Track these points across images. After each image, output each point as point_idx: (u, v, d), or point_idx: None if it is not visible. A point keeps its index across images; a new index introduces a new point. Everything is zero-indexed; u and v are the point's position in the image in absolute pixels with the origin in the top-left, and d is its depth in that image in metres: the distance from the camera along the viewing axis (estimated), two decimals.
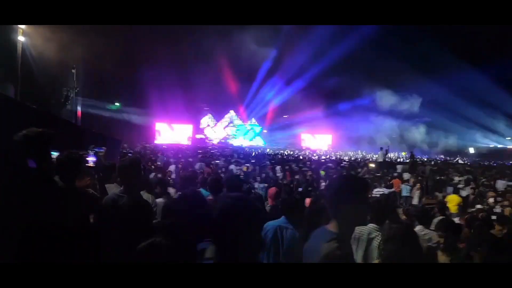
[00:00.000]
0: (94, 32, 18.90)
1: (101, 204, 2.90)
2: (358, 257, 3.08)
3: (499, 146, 35.89)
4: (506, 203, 7.41)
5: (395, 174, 12.91)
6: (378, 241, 2.97)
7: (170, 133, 33.48)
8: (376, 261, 2.72)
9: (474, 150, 36.12)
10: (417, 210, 5.12)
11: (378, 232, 3.07)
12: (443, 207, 5.39)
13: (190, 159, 14.25)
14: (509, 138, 35.31)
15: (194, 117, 34.83)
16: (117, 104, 30.20)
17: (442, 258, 3.30)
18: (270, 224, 3.64)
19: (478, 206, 7.63)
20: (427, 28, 25.23)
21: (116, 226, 2.74)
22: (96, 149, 4.04)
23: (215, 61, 29.65)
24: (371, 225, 3.17)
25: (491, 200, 8.51)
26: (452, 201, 8.25)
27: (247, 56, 29.73)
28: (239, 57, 29.46)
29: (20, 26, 14.26)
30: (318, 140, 37.94)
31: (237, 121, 37.09)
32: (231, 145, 33.60)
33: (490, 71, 26.81)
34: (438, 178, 12.78)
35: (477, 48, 27.21)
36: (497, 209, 7.05)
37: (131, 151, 17.47)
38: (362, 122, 33.32)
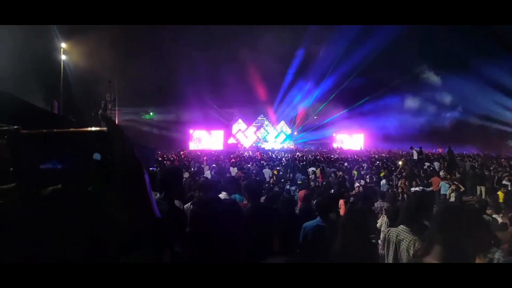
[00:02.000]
0: (127, 45, 19.64)
1: None
2: (389, 260, 3.00)
3: None
4: None
5: (432, 172, 12.43)
6: (407, 243, 2.89)
7: (204, 139, 34.06)
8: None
9: None
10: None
11: (407, 234, 2.98)
12: (483, 205, 5.14)
13: (223, 164, 14.41)
14: None
15: (225, 122, 35.30)
16: (151, 113, 31.14)
17: (479, 259, 3.16)
18: (309, 225, 3.78)
19: None
20: (454, 27, 24.41)
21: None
22: None
23: (243, 65, 29.96)
24: (401, 227, 3.07)
25: None
26: (499, 197, 7.88)
27: (275, 58, 29.80)
28: (267, 60, 29.58)
29: (62, 45, 15.07)
30: (350, 140, 37.28)
31: (268, 125, 37.18)
32: (263, 148, 33.71)
33: None
34: (479, 173, 12.17)
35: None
36: None
37: (168, 159, 17.92)
38: (394, 120, 32.58)
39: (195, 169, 13.36)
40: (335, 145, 36.57)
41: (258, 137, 36.72)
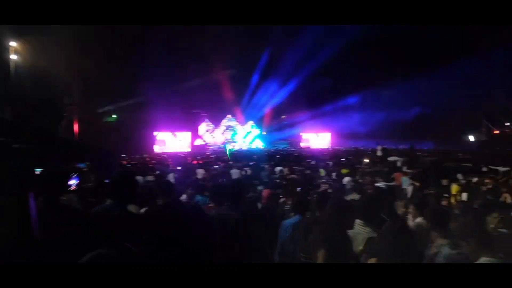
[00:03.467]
0: (88, 44, 18.84)
1: (88, 217, 2.87)
2: None
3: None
4: (504, 189, 7.36)
5: (393, 167, 12.85)
6: (363, 236, 2.94)
7: (170, 142, 33.46)
8: (371, 260, 2.67)
9: (475, 137, 36.13)
10: (417, 203, 5.09)
11: (364, 227, 3.04)
12: (438, 197, 5.35)
13: (189, 166, 14.21)
14: (508, 123, 35.33)
15: (192, 123, 34.88)
16: (114, 116, 30.19)
17: (434, 248, 3.27)
18: (288, 222, 3.93)
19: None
20: (421, 27, 25.41)
21: (106, 240, 2.71)
22: (79, 165, 4.00)
23: (209, 66, 29.69)
24: (357, 221, 3.13)
25: (489, 186, 8.46)
26: (454, 190, 8.23)
27: (242, 58, 29.74)
28: (233, 60, 29.47)
29: (11, 44, 14.19)
30: (317, 139, 37.93)
31: (235, 125, 37.12)
32: (230, 149, 33.63)
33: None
34: (439, 168, 12.70)
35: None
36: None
37: (131, 163, 17.45)
38: (359, 118, 33.54)
39: (160, 172, 13.09)
40: (302, 144, 37.10)
41: (226, 137, 36.60)
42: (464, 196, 7.79)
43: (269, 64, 33.02)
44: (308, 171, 12.43)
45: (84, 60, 19.76)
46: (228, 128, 36.87)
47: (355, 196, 5.75)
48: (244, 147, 34.58)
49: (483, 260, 2.39)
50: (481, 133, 35.96)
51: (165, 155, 24.49)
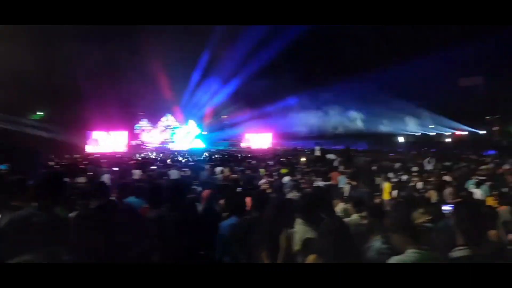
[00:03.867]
0: (12, 36, 17.30)
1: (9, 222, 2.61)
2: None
3: (420, 134, 39.37)
4: (429, 186, 8.04)
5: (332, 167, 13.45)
6: (301, 234, 3.03)
7: (104, 141, 31.79)
8: (311, 258, 2.74)
9: (404, 138, 39.25)
10: (353, 199, 5.37)
11: (302, 226, 3.13)
12: (373, 194, 5.69)
13: (125, 167, 13.61)
14: (431, 126, 38.82)
15: (128, 123, 33.50)
16: (39, 113, 27.99)
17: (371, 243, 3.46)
18: (225, 223, 3.86)
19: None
20: (359, 27, 26.71)
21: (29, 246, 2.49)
22: None
23: (147, 64, 28.75)
24: (298, 220, 3.22)
25: (419, 184, 9.21)
26: (386, 188, 8.82)
27: (181, 57, 29.17)
28: (172, 58, 28.80)
29: None
30: (258, 139, 38.43)
31: (175, 124, 36.33)
32: (169, 149, 32.85)
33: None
34: (372, 167, 13.56)
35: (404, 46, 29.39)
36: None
37: (59, 163, 16.26)
38: (300, 119, 34.63)
39: (93, 173, 12.38)
40: (243, 145, 37.37)
41: (165, 137, 35.68)
42: (395, 193, 8.38)
43: (210, 63, 32.85)
44: (248, 171, 12.54)
45: (5, 54, 18.09)
46: (167, 127, 35.98)
47: (294, 195, 5.90)
48: (184, 147, 33.97)
49: (409, 252, 2.58)
50: (409, 135, 39.12)
51: (98, 155, 23.21)
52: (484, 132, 36.62)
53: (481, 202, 5.77)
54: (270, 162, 16.11)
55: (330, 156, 17.33)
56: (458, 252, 2.80)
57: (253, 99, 33.19)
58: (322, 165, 14.84)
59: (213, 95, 34.64)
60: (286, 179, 9.55)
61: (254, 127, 36.98)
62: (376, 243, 3.32)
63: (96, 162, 16.93)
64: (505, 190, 7.41)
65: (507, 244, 3.49)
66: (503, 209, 5.33)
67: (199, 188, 8.08)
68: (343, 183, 10.23)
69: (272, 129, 37.82)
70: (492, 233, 3.24)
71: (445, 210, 4.62)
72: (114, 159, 19.20)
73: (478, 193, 7.54)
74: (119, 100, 28.66)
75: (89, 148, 30.28)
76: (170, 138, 35.73)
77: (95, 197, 3.51)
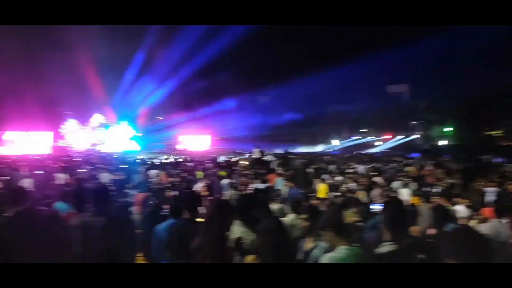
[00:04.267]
0: None
1: None
2: None
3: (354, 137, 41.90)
4: (360, 187, 8.55)
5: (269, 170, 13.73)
6: (238, 234, 3.08)
7: (23, 142, 29.21)
8: (249, 258, 2.78)
9: (339, 141, 41.46)
10: (290, 200, 5.55)
11: (239, 227, 3.19)
12: (309, 196, 5.93)
13: (49, 170, 12.64)
14: (364, 130, 41.46)
15: (53, 123, 31.14)
16: None
17: (308, 243, 3.60)
18: (161, 227, 3.82)
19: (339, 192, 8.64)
20: (298, 30, 27.62)
21: None
22: None
23: (75, 61, 27.04)
24: (236, 222, 3.27)
25: (352, 185, 9.76)
26: (322, 189, 9.23)
27: (113, 55, 27.86)
28: (104, 55, 27.40)
29: None
30: (196, 141, 37.98)
31: (106, 125, 34.56)
32: (99, 151, 31.17)
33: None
34: (308, 170, 14.10)
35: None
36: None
37: None
38: (239, 121, 34.92)
39: (10, 177, 11.33)
40: (179, 147, 36.67)
41: (95, 138, 33.79)
42: (329, 194, 8.79)
43: (145, 62, 31.85)
44: (184, 174, 12.34)
45: None
46: (97, 128, 34.12)
47: (232, 196, 5.93)
48: (117, 149, 32.43)
49: (340, 249, 2.74)
50: (343, 138, 41.32)
51: (17, 158, 21.26)
52: (410, 137, 39.84)
53: (406, 201, 6.27)
54: (208, 165, 16.00)
55: (268, 158, 17.67)
56: (385, 247, 3.02)
57: (190, 100, 32.86)
58: (260, 167, 15.08)
59: (148, 95, 33.59)
60: (224, 181, 9.56)
61: (191, 129, 36.51)
62: (321, 244, 3.47)
63: (14, 165, 15.50)
64: (427, 189, 8.12)
65: (427, 238, 3.83)
66: (424, 206, 5.84)
67: (133, 192, 7.79)
68: (281, 185, 10.51)
69: (211, 131, 37.64)
70: (414, 228, 3.54)
71: (374, 209, 4.96)
72: (36, 162, 17.76)
73: (404, 192, 8.17)
74: (42, 98, 26.57)
75: (4, 150, 27.63)
76: (101, 140, 33.91)
77: (13, 203, 3.22)
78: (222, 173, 11.83)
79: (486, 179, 8.54)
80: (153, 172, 12.56)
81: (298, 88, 32.43)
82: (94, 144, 33.32)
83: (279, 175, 11.70)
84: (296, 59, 31.46)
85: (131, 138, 34.97)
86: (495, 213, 4.47)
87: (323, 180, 10.26)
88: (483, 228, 4.11)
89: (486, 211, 4.78)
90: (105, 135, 34.09)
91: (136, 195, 5.30)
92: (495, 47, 27.34)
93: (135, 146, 34.31)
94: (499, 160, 19.15)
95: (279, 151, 24.56)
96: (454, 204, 5.98)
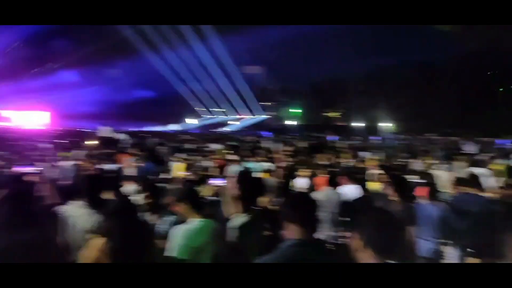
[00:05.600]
0: None
1: None
2: (66, 237, 3.00)
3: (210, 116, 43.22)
4: (215, 165, 8.99)
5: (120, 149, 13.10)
6: (84, 218, 3.00)
7: None
8: (97, 241, 2.69)
9: (197, 121, 42.10)
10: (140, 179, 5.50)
11: (84, 209, 3.09)
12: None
13: None
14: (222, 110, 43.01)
15: None
16: None
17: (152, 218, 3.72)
18: None
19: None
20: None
21: None
22: None
23: None
24: (78, 202, 3.15)
25: (206, 163, 10.11)
26: (177, 168, 9.32)
27: None
28: None
29: None
30: (28, 117, 33.09)
31: None
32: None
33: None
34: (162, 149, 13.97)
35: None
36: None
37: None
38: (84, 96, 32.04)
39: None
40: (9, 124, 31.56)
41: None
42: (183, 172, 8.94)
43: None
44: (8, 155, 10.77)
45: None
46: None
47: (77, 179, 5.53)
48: None
49: (194, 220, 2.92)
50: (199, 117, 42.06)
51: None
52: (263, 116, 43.09)
53: (256, 175, 6.87)
54: (46, 145, 14.32)
55: (119, 137, 16.84)
56: (238, 219, 3.31)
57: (19, 68, 28.45)
58: (109, 147, 14.24)
59: None
60: (68, 163, 8.76)
61: (21, 103, 31.71)
62: (169, 217, 3.57)
63: None
64: (278, 165, 9.04)
65: (274, 206, 4.30)
66: (272, 179, 6.55)
67: None
68: (132, 165, 10.18)
69: (50, 107, 33.28)
70: (262, 199, 3.94)
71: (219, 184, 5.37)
72: None
73: (257, 168, 8.88)
74: None
75: None
76: None
77: None
78: (64, 154, 10.81)
79: (323, 155, 9.98)
80: None
81: (151, 64, 31.48)
82: None
83: (131, 155, 11.31)
84: (148, 30, 30.30)
85: None
86: (328, 183, 5.34)
87: (178, 159, 10.35)
88: (318, 195, 4.86)
89: (320, 181, 5.62)
90: None
91: None
92: (344, 36, 31.16)
93: None
94: (335, 138, 22.54)
95: (131, 129, 23.55)
96: (298, 176, 6.85)
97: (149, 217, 3.65)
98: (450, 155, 11.45)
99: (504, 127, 26.19)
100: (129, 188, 5.55)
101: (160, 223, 3.54)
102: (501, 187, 5.96)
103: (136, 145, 14.65)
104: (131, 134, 19.65)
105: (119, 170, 8.04)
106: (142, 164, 8.85)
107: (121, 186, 5.20)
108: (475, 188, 4.73)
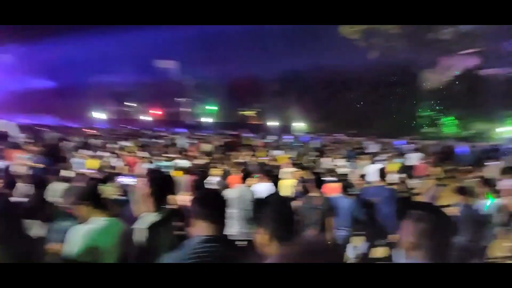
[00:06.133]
0: None
1: None
2: None
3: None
4: (124, 162, 8.58)
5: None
6: None
7: None
8: None
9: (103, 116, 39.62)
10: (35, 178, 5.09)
11: None
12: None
13: None
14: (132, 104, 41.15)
15: None
16: None
17: None
18: None
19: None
20: None
21: None
22: None
23: None
24: None
25: (114, 160, 9.63)
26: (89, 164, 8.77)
27: None
28: None
29: None
30: None
31: None
32: None
33: None
34: (63, 144, 12.98)
35: None
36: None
37: None
38: None
39: None
40: None
41: None
42: (88, 170, 8.42)
43: None
44: None
45: None
46: None
47: None
48: None
49: (97, 219, 2.75)
50: (108, 112, 39.65)
51: None
52: (177, 112, 42.19)
53: (167, 173, 6.73)
54: None
55: (9, 130, 15.26)
56: (147, 218, 3.19)
57: None
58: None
59: None
60: None
61: None
62: (64, 222, 3.32)
63: None
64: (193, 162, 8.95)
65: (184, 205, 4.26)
66: (184, 178, 6.48)
67: None
68: (25, 162, 9.29)
69: None
70: (172, 197, 3.86)
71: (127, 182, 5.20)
72: None
73: (169, 166, 8.69)
74: None
75: None
76: None
77: None
78: None
79: (238, 152, 10.12)
80: None
81: (53, 50, 28.90)
82: None
83: (25, 150, 10.30)
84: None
85: None
86: (241, 180, 5.41)
87: (82, 156, 9.73)
88: (230, 193, 4.90)
89: (234, 179, 5.68)
90: None
91: None
92: (260, 36, 31.67)
93: None
94: (251, 135, 23.01)
95: (25, 122, 21.38)
96: (212, 174, 6.87)
97: (38, 223, 3.34)
98: (356, 153, 12.44)
99: (401, 129, 29.51)
100: (20, 188, 5.06)
101: (53, 229, 3.26)
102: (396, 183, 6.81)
103: (31, 140, 13.38)
104: (25, 127, 17.85)
105: (7, 168, 7.30)
106: (37, 161, 8.12)
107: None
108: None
